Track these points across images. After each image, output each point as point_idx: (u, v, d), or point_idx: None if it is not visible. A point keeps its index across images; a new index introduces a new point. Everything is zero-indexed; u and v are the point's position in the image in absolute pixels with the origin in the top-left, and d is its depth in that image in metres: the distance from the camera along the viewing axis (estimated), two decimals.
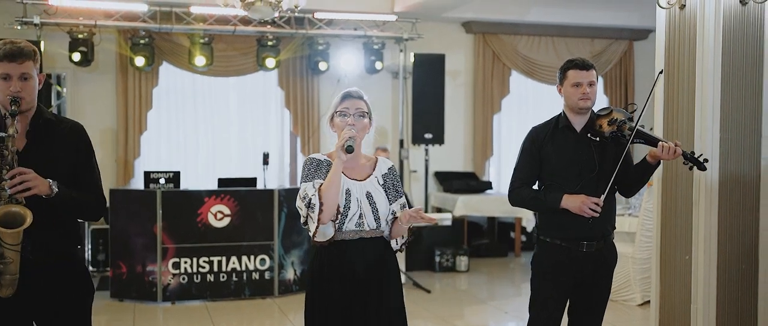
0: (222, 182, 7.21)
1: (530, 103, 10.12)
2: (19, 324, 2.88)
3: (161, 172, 6.95)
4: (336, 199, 2.93)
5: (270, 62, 8.52)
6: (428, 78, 8.60)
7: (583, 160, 3.59)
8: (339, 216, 2.97)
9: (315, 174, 3.00)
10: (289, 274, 7.03)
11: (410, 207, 3.15)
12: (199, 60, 8.30)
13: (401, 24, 8.97)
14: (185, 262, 6.74)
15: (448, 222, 7.47)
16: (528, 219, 9.06)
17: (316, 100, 9.22)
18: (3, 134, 2.71)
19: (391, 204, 3.13)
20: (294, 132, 9.25)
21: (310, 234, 2.97)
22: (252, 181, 7.25)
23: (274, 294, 6.96)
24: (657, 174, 4.74)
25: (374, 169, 3.15)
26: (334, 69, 8.88)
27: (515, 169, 3.76)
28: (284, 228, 6.99)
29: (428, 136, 8.54)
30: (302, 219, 2.98)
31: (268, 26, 8.49)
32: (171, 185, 6.91)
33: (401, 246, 3.23)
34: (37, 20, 7.74)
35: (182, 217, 6.74)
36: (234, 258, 6.86)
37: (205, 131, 9.02)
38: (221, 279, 6.84)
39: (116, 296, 6.81)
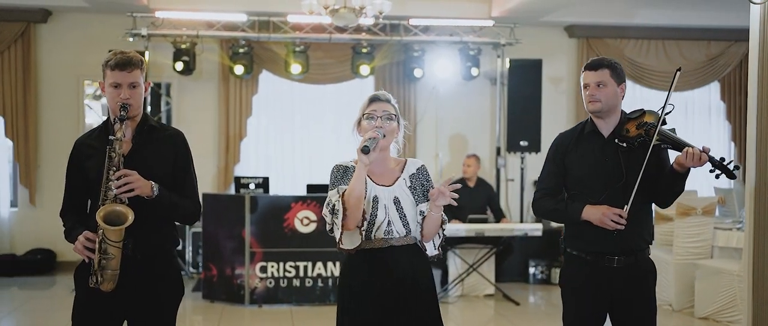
0: (310, 188, 7.29)
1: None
2: (113, 319, 3.04)
3: (251, 178, 7.11)
4: (360, 204, 2.85)
5: (364, 69, 8.54)
6: (524, 84, 8.34)
7: (609, 168, 3.34)
8: (365, 222, 2.90)
9: (341, 180, 2.96)
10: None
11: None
12: (295, 68, 8.44)
13: (499, 29, 8.77)
14: (272, 267, 6.85)
15: (539, 233, 7.19)
16: None
17: (412, 107, 9.17)
18: (112, 137, 2.89)
19: (418, 205, 3.02)
20: None
21: (336, 241, 2.92)
22: None
23: None
24: (749, 186, 4.35)
25: (402, 172, 3.06)
26: (430, 76, 8.79)
27: (539, 179, 3.58)
28: None
29: (524, 143, 8.27)
30: (328, 227, 2.94)
31: (363, 34, 8.52)
32: (260, 190, 7.05)
33: (438, 248, 3.11)
34: (144, 32, 8.13)
35: (270, 222, 6.85)
36: (319, 264, 6.90)
37: (301, 138, 9.16)
38: (307, 285, 6.90)
39: (207, 297, 7.02)
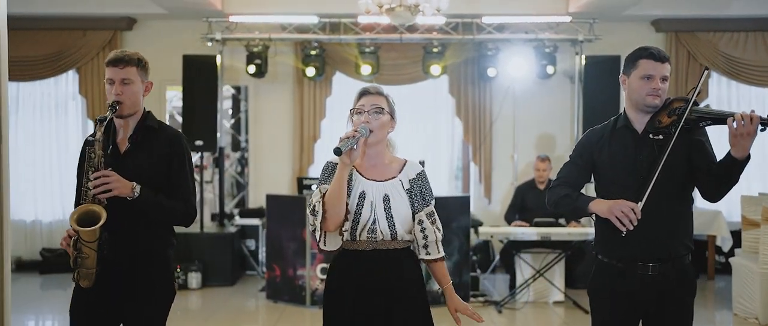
0: None
1: (733, 107, 8.96)
2: (106, 318, 3.07)
3: (313, 179, 7.11)
4: (341, 206, 2.72)
5: (435, 69, 8.39)
6: (601, 82, 7.95)
7: (644, 166, 3.02)
8: (346, 223, 2.78)
9: (328, 179, 2.84)
10: (437, 285, 6.82)
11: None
12: (365, 69, 8.41)
13: (577, 25, 8.40)
14: None
15: None
16: (723, 237, 8.06)
17: (487, 107, 8.94)
18: (91, 138, 2.93)
19: (416, 212, 2.88)
20: (465, 140, 9.04)
21: (317, 242, 2.81)
22: None
23: None
24: None
25: (400, 172, 2.91)
26: (504, 74, 8.54)
27: (559, 171, 3.31)
28: None
29: None
30: (310, 228, 2.83)
31: (435, 33, 8.38)
32: None
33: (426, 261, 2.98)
34: (218, 36, 8.32)
35: None
36: None
37: None
38: None
39: (271, 297, 7.09)
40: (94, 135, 2.94)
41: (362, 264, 2.81)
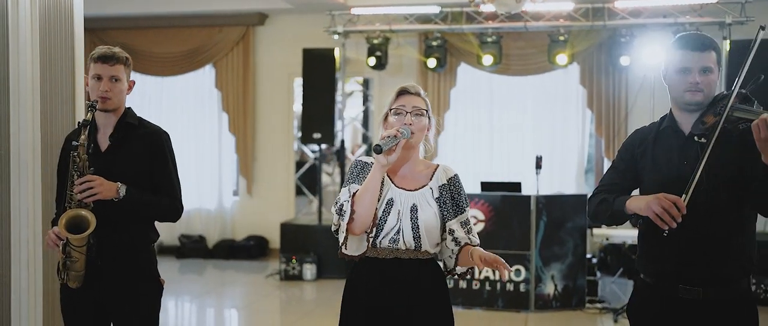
0: (484, 186, 6.92)
1: None
2: (96, 316, 3.09)
3: None
4: (371, 208, 2.56)
5: (561, 59, 7.89)
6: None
7: (689, 172, 2.56)
8: (374, 229, 2.61)
9: (357, 178, 2.69)
10: (548, 289, 6.43)
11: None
12: (487, 59, 8.07)
13: (725, 6, 7.56)
14: None
15: None
16: None
17: (622, 98, 8.30)
18: (75, 143, 2.94)
19: (447, 220, 2.67)
20: (597, 134, 8.45)
21: (340, 244, 2.65)
22: (516, 186, 6.81)
23: (530, 309, 6.44)
24: None
25: (430, 179, 2.71)
26: (637, 63, 7.87)
27: (600, 180, 2.91)
28: (543, 238, 6.43)
29: None
30: (333, 228, 2.69)
31: (562, 20, 7.89)
32: None
33: (455, 274, 2.73)
34: (340, 29, 8.33)
35: None
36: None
37: (500, 132, 8.74)
38: (473, 288, 6.57)
39: None
40: (77, 138, 2.92)
41: (381, 272, 2.65)
